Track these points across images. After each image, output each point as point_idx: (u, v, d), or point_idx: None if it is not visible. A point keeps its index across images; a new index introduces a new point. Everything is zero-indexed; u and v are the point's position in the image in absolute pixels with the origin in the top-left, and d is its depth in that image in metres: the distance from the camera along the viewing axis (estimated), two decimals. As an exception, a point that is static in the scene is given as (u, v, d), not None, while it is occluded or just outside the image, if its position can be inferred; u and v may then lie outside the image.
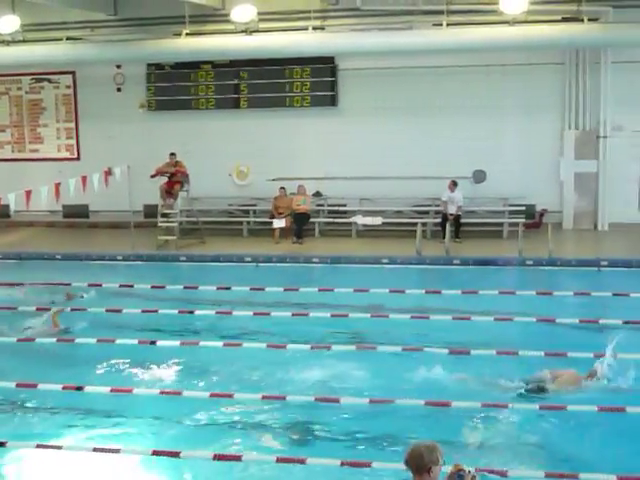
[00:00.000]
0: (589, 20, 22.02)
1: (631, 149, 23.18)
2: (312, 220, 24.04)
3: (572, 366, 12.24)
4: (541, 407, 10.78)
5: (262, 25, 22.82)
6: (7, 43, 23.37)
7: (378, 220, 22.51)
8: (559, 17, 22.58)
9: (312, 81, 25.11)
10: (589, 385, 11.61)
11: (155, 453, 9.70)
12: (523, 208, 23.13)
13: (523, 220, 21.71)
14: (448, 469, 6.48)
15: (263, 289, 17.38)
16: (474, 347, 13.11)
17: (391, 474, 8.77)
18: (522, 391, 11.52)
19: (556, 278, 18.85)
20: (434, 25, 22.54)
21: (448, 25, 22.14)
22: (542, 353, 12.83)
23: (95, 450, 9.80)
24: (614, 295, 16.45)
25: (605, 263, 19.29)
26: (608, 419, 10.48)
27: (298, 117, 25.28)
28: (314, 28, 23.21)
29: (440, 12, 22.44)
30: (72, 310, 15.83)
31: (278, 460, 9.46)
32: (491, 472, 8.91)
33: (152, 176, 23.44)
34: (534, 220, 23.33)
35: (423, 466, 6.24)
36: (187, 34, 23.11)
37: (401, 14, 23.08)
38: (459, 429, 10.42)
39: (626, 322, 14.54)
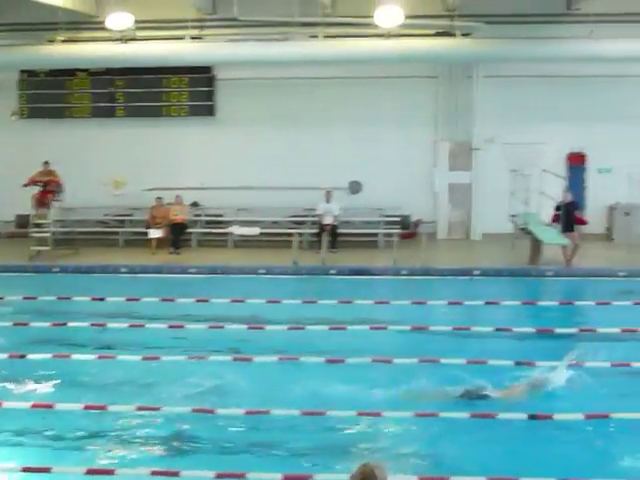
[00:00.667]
0: (462, 35, 22.59)
1: (502, 161, 23.82)
2: (189, 230, 23.90)
3: (442, 371, 12.55)
4: (417, 414, 10.95)
5: (139, 34, 22.59)
6: None
7: (255, 230, 22.55)
8: (433, 32, 23.06)
9: (189, 91, 25.01)
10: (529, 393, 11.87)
11: (25, 470, 9.43)
12: (398, 218, 23.54)
13: (398, 230, 22.08)
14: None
15: (139, 300, 17.15)
16: (350, 356, 13.24)
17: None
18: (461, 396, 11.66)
19: (430, 287, 19.16)
20: (311, 37, 22.74)
21: (324, 37, 22.38)
22: (416, 360, 13.06)
23: (-38, 467, 9.49)
24: (486, 303, 16.85)
25: (477, 272, 19.73)
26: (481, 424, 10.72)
27: (175, 126, 25.13)
28: (192, 37, 23.12)
29: (317, 24, 22.64)
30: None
31: (153, 473, 9.32)
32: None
33: (24, 185, 22.90)
34: (409, 230, 23.75)
35: None
36: (62, 41, 22.69)
37: (278, 25, 23.18)
38: (336, 438, 10.50)
39: (497, 329, 14.93)
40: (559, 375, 12.09)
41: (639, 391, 12.02)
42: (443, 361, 13.01)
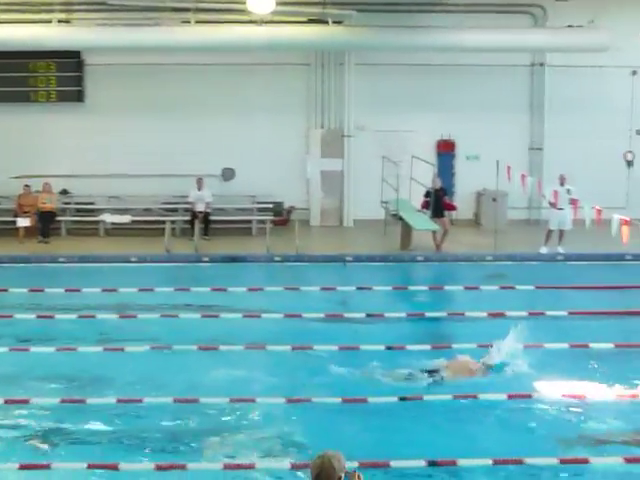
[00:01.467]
0: (334, 23, 22.72)
1: (373, 148, 24.10)
2: (58, 219, 23.35)
3: (315, 359, 12.68)
4: (289, 400, 11.01)
5: (3, 16, 21.97)
6: None
7: (126, 218, 22.26)
8: (305, 19, 23.13)
9: (57, 76, 24.39)
10: (484, 372, 12.06)
11: None
12: (271, 205, 23.60)
13: (271, 217, 22.12)
14: None
15: (6, 290, 16.75)
16: (223, 343, 13.26)
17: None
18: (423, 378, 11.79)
19: (303, 273, 19.27)
20: (182, 22, 22.51)
21: (196, 23, 22.19)
22: (289, 347, 13.16)
23: None
24: (358, 289, 17.08)
25: (350, 258, 19.94)
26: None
27: (43, 112, 24.49)
28: (59, 21, 22.59)
29: (188, 10, 22.42)
30: None
31: (21, 467, 9.13)
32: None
33: None
34: (282, 217, 23.80)
35: (335, 477, 6.11)
36: None
37: (149, 10, 22.84)
38: (210, 425, 10.50)
39: (369, 315, 15.16)
40: (501, 353, 12.32)
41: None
42: (316, 347, 13.17)
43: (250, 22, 22.21)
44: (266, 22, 22.19)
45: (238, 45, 22.49)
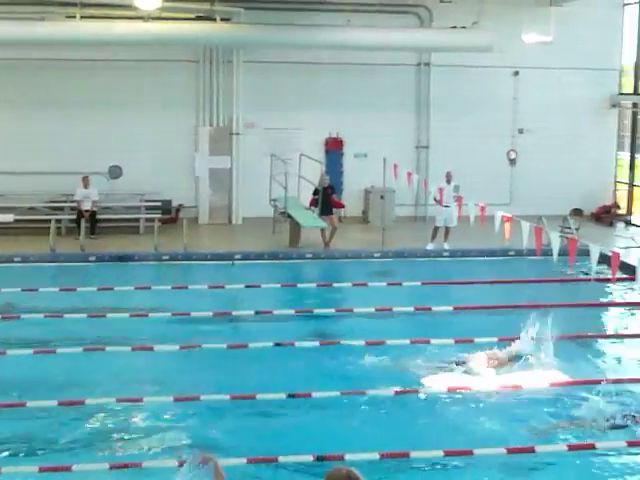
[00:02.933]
0: (222, 20, 22.64)
1: (262, 146, 24.11)
2: (-62, 217, 22.62)
3: (204, 357, 12.68)
4: (177, 399, 10.96)
5: None
6: None
7: (9, 217, 21.70)
8: (193, 15, 22.98)
9: None
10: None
11: None
12: (159, 204, 23.32)
13: (159, 215, 21.90)
14: None
15: None
16: (110, 344, 13.10)
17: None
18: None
19: (192, 272, 19.16)
20: (67, 17, 22.07)
21: (82, 18, 21.79)
22: (177, 347, 13.10)
23: None
24: (247, 287, 17.08)
25: (239, 256, 19.89)
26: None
27: None
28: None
29: (74, 4, 21.97)
30: None
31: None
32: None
33: None
34: (170, 215, 23.60)
35: None
36: None
37: (34, 4, 22.33)
38: (96, 426, 10.37)
39: (257, 312, 15.19)
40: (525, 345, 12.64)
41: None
42: (205, 346, 13.14)
43: (137, 18, 21.92)
44: (153, 18, 21.94)
45: (125, 41, 22.17)
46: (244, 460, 9.22)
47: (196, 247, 20.45)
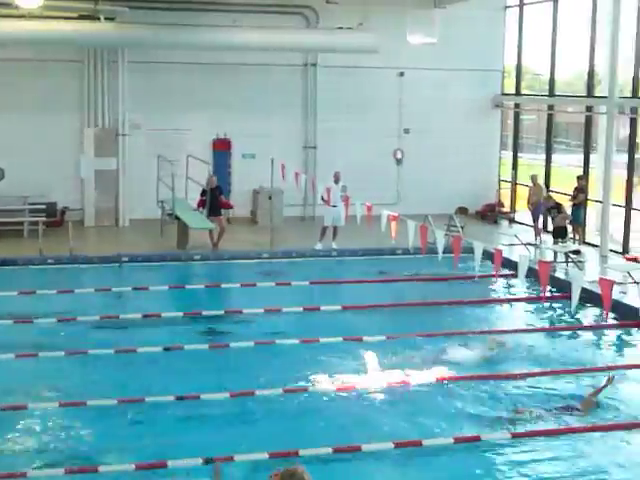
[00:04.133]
0: (106, 19, 22.31)
1: (149, 147, 23.86)
2: None
3: (92, 362, 12.52)
4: (62, 404, 10.76)
5: None
6: None
7: None
8: (76, 14, 22.59)
9: None
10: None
11: None
12: (44, 206, 22.81)
13: (44, 218, 21.43)
14: None
15: None
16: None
17: None
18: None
19: (78, 276, 18.82)
20: (-57, 15, 21.43)
21: (-41, 16, 21.19)
22: (63, 353, 12.87)
23: None
24: (135, 289, 16.90)
25: (126, 259, 19.63)
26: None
27: None
28: None
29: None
30: None
31: None
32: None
33: None
34: (55, 218, 23.11)
35: None
36: None
37: None
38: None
39: (145, 316, 15.05)
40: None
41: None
42: (91, 352, 12.96)
43: (19, 17, 21.43)
44: (35, 17, 21.49)
45: (5, 40, 21.65)
46: (132, 466, 9.15)
47: (82, 250, 20.09)
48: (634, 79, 21.09)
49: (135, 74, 23.97)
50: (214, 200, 21.28)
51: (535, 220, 22.64)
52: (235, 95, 24.68)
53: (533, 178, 23.24)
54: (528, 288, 17.41)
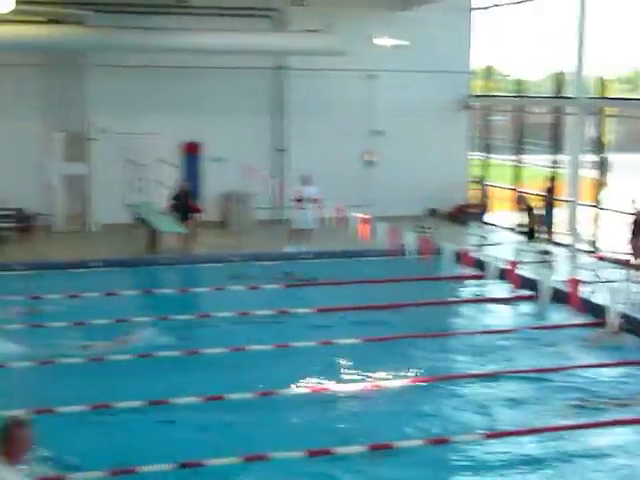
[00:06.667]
0: (73, 23, 22.17)
1: (117, 151, 23.71)
2: None
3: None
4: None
5: None
6: None
7: None
8: (44, 18, 22.43)
9: None
10: None
11: None
12: (13, 212, 22.66)
13: (12, 224, 21.28)
14: None
15: None
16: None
17: None
18: None
19: (47, 282, 18.61)
20: None
21: None
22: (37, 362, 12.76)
23: None
24: (106, 295, 16.78)
25: (95, 264, 19.49)
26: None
27: None
28: None
29: None
30: None
31: None
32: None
33: None
34: (24, 224, 22.94)
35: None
36: None
37: None
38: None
39: (119, 320, 14.95)
40: None
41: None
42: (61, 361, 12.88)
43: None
44: (4, 21, 21.31)
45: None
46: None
47: (51, 256, 19.95)
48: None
49: (102, 78, 23.83)
50: (184, 204, 21.18)
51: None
52: (205, 98, 24.61)
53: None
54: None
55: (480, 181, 26.78)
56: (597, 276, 17.40)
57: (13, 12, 20.94)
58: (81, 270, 19.25)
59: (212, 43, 22.66)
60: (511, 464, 9.81)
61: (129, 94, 24.03)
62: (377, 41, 23.26)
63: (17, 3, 20.56)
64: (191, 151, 24.97)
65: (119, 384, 11.97)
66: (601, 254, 20.60)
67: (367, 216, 16.28)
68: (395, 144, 25.99)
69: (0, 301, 16.07)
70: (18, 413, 6.39)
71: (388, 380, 12.35)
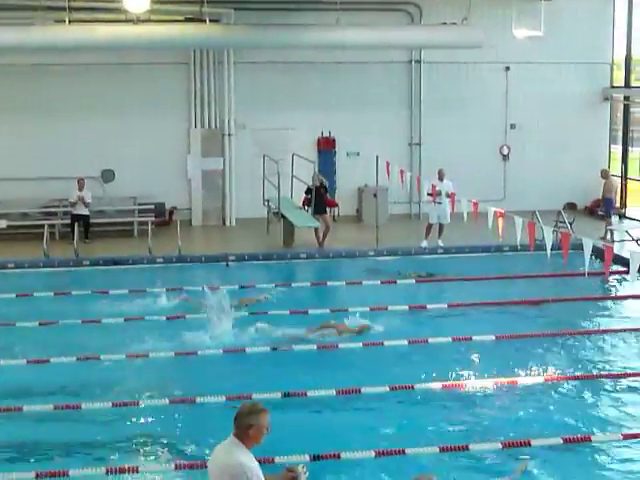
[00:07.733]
0: (211, 21, 22.57)
1: (254, 147, 24.08)
2: None
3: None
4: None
5: None
6: None
7: (3, 223, 21.65)
8: (182, 17, 22.93)
9: None
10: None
11: None
12: (153, 206, 23.27)
13: (153, 218, 21.85)
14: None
15: None
16: (105, 351, 13.09)
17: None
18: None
19: (186, 274, 19.07)
20: (56, 22, 21.99)
21: (71, 22, 21.70)
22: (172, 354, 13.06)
23: None
24: (241, 288, 17.03)
25: (233, 258, 19.84)
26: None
27: None
28: None
29: (62, 9, 21.87)
30: None
31: None
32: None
33: None
34: (164, 218, 23.54)
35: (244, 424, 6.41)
36: None
37: (23, 9, 22.26)
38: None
39: (251, 313, 15.17)
40: None
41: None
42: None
43: (126, 21, 21.86)
44: (142, 21, 21.89)
45: (114, 44, 22.04)
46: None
47: (190, 249, 20.41)
48: None
49: (240, 74, 24.23)
50: (319, 198, 21.30)
51: (608, 216, 22.47)
52: (339, 93, 24.71)
53: (604, 173, 22.89)
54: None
55: (621, 174, 26.01)
56: None
57: (153, 12, 21.59)
58: (219, 264, 19.55)
59: (352, 38, 22.61)
60: None
61: (267, 90, 24.33)
62: (515, 32, 22.83)
63: (157, 3, 21.21)
64: (326, 146, 25.10)
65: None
66: None
67: (503, 210, 15.98)
68: (532, 137, 25.55)
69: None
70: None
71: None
